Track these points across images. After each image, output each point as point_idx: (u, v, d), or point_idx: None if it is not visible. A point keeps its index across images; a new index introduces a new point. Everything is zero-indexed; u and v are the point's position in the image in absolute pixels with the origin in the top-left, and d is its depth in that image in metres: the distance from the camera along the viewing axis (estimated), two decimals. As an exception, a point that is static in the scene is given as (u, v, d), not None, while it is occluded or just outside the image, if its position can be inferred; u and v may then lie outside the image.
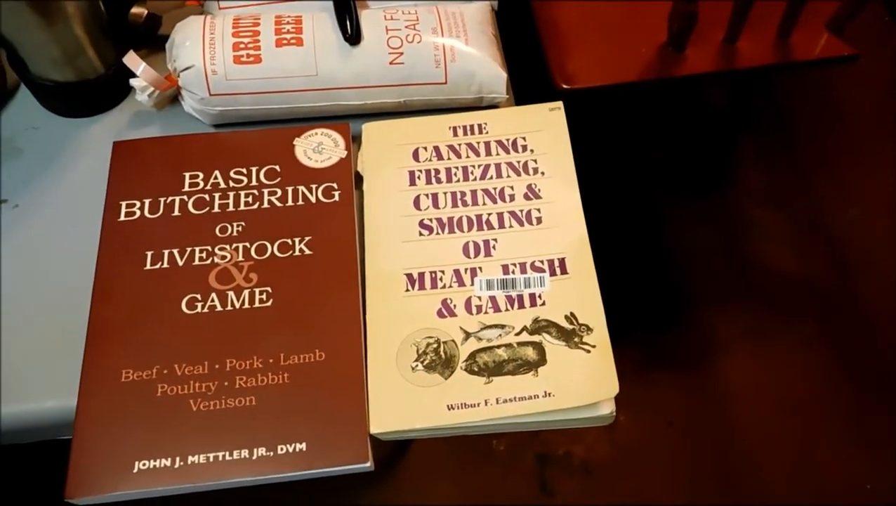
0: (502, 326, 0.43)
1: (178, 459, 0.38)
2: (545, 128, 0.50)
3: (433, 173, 0.48)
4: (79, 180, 0.49)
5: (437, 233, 0.46)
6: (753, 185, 1.34)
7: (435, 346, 0.42)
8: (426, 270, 0.45)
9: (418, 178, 0.48)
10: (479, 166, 0.49)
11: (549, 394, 0.40)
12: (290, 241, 0.45)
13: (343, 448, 0.38)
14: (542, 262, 0.45)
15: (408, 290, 0.44)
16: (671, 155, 1.36)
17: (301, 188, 0.48)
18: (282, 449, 0.38)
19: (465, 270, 0.45)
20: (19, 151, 0.50)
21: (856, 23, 0.88)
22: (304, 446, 0.38)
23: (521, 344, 0.42)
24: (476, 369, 0.41)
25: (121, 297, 0.43)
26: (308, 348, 0.41)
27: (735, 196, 1.32)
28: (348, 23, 0.49)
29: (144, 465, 0.38)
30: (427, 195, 0.47)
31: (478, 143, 0.50)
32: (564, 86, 0.83)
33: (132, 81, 0.49)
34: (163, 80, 0.49)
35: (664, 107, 1.38)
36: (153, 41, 0.54)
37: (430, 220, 0.47)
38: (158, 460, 0.38)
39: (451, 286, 0.44)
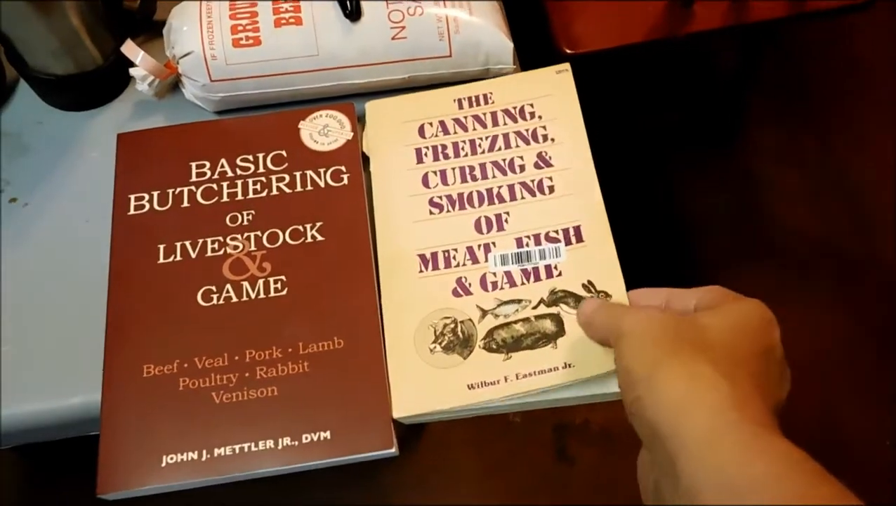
0: (519, 301, 0.42)
1: (204, 452, 0.38)
2: (553, 92, 0.49)
3: (440, 149, 0.47)
4: (86, 175, 0.49)
5: (448, 211, 0.45)
6: (768, 143, 1.30)
7: (452, 326, 0.42)
8: (439, 249, 0.44)
9: (425, 155, 0.47)
10: (487, 138, 0.48)
11: (569, 365, 0.40)
12: (301, 227, 0.45)
13: (367, 435, 0.38)
14: (556, 232, 0.44)
15: (421, 271, 0.44)
16: (682, 116, 1.33)
17: (309, 173, 0.47)
18: (306, 438, 0.38)
19: (479, 246, 0.44)
20: (26, 147, 0.49)
21: None
22: (328, 434, 0.38)
23: (538, 317, 0.42)
24: (495, 347, 0.41)
25: (137, 292, 0.43)
26: (326, 336, 0.41)
27: (750, 155, 1.29)
28: (347, -2, 0.47)
29: (172, 459, 0.38)
30: (435, 172, 0.47)
31: (484, 114, 0.48)
32: (568, 50, 0.81)
33: (132, 71, 0.48)
34: (162, 68, 0.48)
35: (673, 67, 1.34)
36: (149, 27, 0.53)
37: (440, 197, 0.46)
38: (186, 454, 0.38)
39: (464, 264, 0.44)
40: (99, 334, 0.42)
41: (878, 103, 1.33)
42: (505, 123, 0.48)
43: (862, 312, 1.14)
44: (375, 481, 1.00)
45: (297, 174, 0.47)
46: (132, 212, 0.46)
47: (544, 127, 0.48)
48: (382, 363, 0.41)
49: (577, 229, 0.44)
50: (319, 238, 0.45)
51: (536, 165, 0.46)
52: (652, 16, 0.85)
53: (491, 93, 0.49)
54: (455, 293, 0.43)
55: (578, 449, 1.03)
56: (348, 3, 0.47)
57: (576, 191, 0.45)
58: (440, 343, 0.41)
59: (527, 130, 0.48)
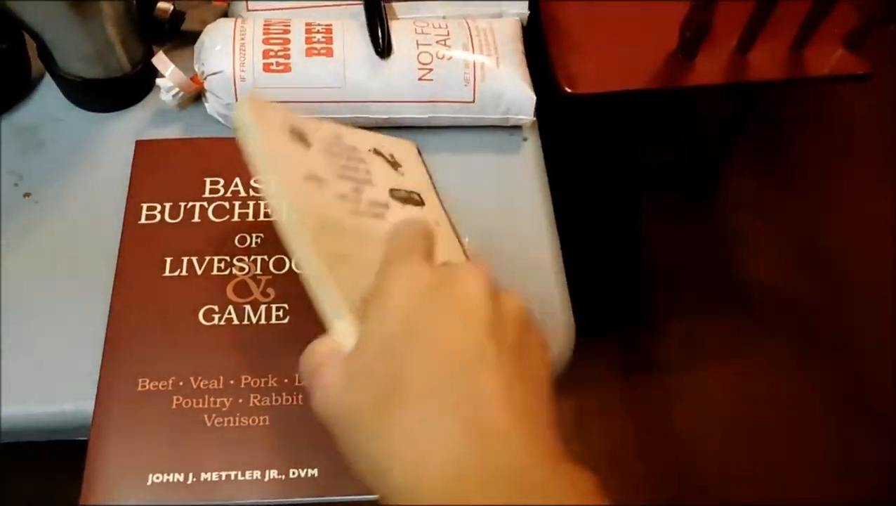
0: None
1: (191, 474, 0.39)
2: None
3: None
4: (100, 178, 0.49)
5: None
6: (745, 196, 1.32)
7: None
8: None
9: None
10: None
11: None
12: (309, 257, 0.45)
13: (353, 478, 0.39)
14: None
15: None
16: (664, 160, 1.33)
17: (322, 203, 0.47)
18: (293, 473, 0.39)
19: None
20: (44, 144, 0.49)
21: (871, 39, 0.86)
22: (315, 472, 0.39)
23: None
24: None
25: (139, 303, 0.44)
26: (323, 371, 0.42)
27: (726, 206, 1.31)
28: (380, 35, 0.48)
29: (158, 478, 0.39)
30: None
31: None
32: (569, 90, 0.81)
33: (159, 81, 0.48)
34: (189, 82, 0.48)
35: (662, 111, 1.36)
36: (176, 37, 0.53)
37: None
38: (172, 475, 0.39)
39: None
40: (97, 341, 0.42)
41: (858, 166, 1.36)
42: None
43: (819, 373, 1.15)
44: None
45: (311, 203, 0.47)
46: (143, 221, 0.47)
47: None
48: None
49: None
50: (326, 270, 0.45)
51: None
52: (654, 64, 0.85)
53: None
54: None
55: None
56: (381, 39, 0.48)
57: None
58: None
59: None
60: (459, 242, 0.47)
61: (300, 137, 0.42)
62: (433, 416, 0.27)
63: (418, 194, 0.46)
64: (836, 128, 1.39)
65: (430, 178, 0.50)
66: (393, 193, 0.45)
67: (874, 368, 1.16)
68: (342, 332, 0.32)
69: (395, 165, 0.47)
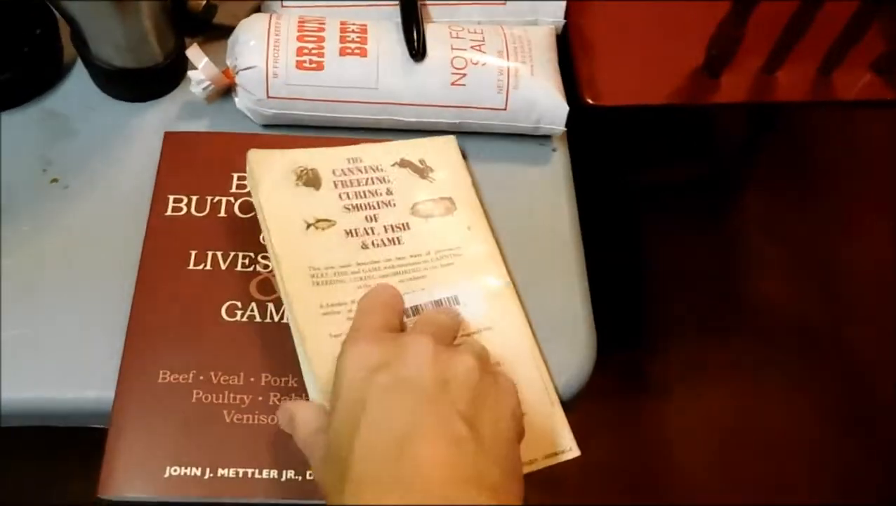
0: None
1: (208, 470, 0.39)
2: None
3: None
4: (128, 167, 0.49)
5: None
6: (758, 214, 1.31)
7: None
8: None
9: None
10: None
11: None
12: (333, 258, 0.45)
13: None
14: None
15: None
16: (678, 176, 1.33)
17: (349, 204, 0.47)
18: (310, 475, 0.38)
19: None
20: (74, 131, 0.49)
21: None
22: (332, 474, 0.38)
23: None
24: None
25: (163, 294, 0.44)
26: (343, 373, 0.42)
27: (738, 223, 1.30)
28: (415, 38, 0.48)
29: (175, 471, 0.39)
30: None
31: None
32: (591, 101, 0.81)
33: (190, 73, 0.48)
34: (221, 76, 0.48)
35: (680, 127, 1.35)
36: (209, 29, 0.53)
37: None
38: (189, 469, 0.39)
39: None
40: (120, 330, 0.42)
41: (872, 189, 1.34)
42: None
43: (821, 394, 1.14)
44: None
45: (338, 203, 0.47)
46: (169, 213, 0.47)
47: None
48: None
49: None
50: (350, 272, 0.45)
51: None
52: (678, 79, 0.84)
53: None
54: None
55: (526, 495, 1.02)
56: (416, 42, 0.48)
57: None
58: None
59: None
60: (497, 242, 0.47)
61: (310, 178, 0.44)
62: (377, 501, 0.27)
63: (450, 199, 0.46)
64: (852, 151, 1.38)
65: (470, 173, 0.49)
66: (415, 208, 0.45)
67: (877, 390, 1.15)
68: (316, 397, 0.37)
69: (424, 171, 0.47)
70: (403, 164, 0.47)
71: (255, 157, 0.45)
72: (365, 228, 0.44)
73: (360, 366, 0.31)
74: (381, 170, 0.47)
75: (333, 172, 0.45)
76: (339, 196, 0.45)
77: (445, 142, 0.50)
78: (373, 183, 0.46)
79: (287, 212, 0.43)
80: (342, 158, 0.47)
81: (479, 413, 0.30)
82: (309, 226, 0.43)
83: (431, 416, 0.29)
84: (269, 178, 0.44)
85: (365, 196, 0.45)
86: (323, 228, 0.43)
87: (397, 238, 0.44)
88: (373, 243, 0.43)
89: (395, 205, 0.45)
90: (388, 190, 0.46)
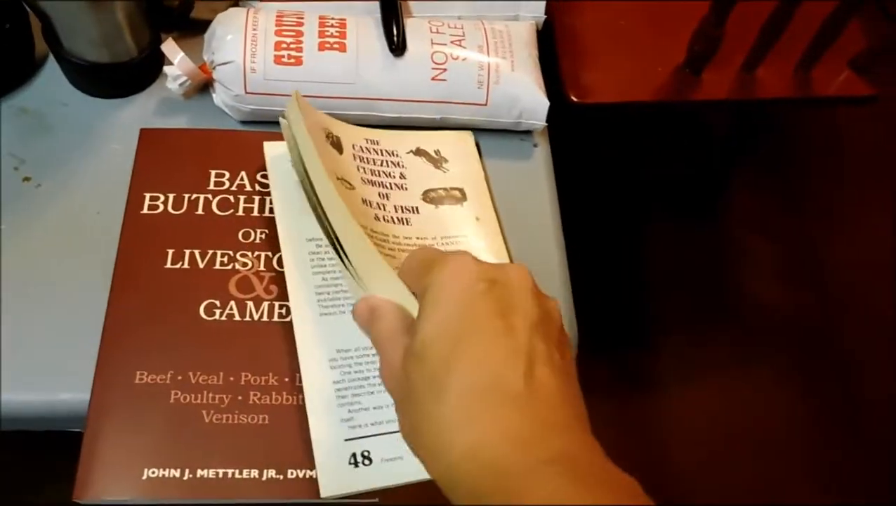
0: None
1: (187, 471, 0.38)
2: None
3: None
4: (103, 164, 0.48)
5: None
6: (747, 212, 1.32)
7: None
8: None
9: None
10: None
11: None
12: (314, 255, 0.45)
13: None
14: None
15: None
16: (667, 175, 1.33)
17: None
18: (292, 474, 0.38)
19: None
20: (47, 128, 0.48)
21: (878, 63, 0.87)
22: (314, 473, 0.38)
23: None
24: None
25: (139, 293, 0.43)
26: (325, 371, 0.41)
27: (727, 222, 1.31)
28: (395, 32, 0.48)
29: (154, 473, 0.38)
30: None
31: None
32: (575, 99, 0.81)
33: (166, 69, 0.47)
34: (198, 72, 0.47)
35: (666, 125, 1.36)
36: (185, 25, 0.52)
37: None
38: (168, 470, 0.38)
39: None
40: (95, 331, 0.41)
41: (862, 187, 1.36)
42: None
43: (815, 393, 1.15)
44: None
45: (318, 200, 0.47)
46: (145, 211, 0.46)
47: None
48: (376, 407, 0.41)
49: None
50: (330, 269, 0.45)
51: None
52: (661, 77, 0.86)
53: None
54: None
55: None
56: (395, 37, 0.47)
57: None
58: None
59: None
60: (503, 238, 0.47)
61: (335, 142, 0.44)
62: (493, 404, 0.28)
63: (461, 190, 0.47)
64: (841, 149, 1.39)
65: (484, 169, 0.50)
66: (427, 195, 0.45)
67: (870, 389, 1.16)
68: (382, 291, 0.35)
69: (438, 162, 0.48)
70: (419, 152, 0.48)
71: (298, 99, 0.43)
72: (378, 203, 0.44)
73: (465, 275, 0.31)
74: (397, 155, 0.47)
75: (353, 147, 0.46)
76: (358, 168, 0.45)
77: (462, 136, 0.51)
78: (388, 165, 0.47)
79: (322, 158, 0.41)
80: (361, 137, 0.47)
81: (563, 356, 0.31)
82: (339, 179, 0.42)
83: (542, 344, 0.30)
84: (310, 120, 0.42)
85: (379, 175, 0.46)
86: (346, 188, 0.42)
87: (406, 219, 0.44)
88: (384, 218, 0.43)
89: (406, 189, 0.46)
90: (401, 174, 0.47)
